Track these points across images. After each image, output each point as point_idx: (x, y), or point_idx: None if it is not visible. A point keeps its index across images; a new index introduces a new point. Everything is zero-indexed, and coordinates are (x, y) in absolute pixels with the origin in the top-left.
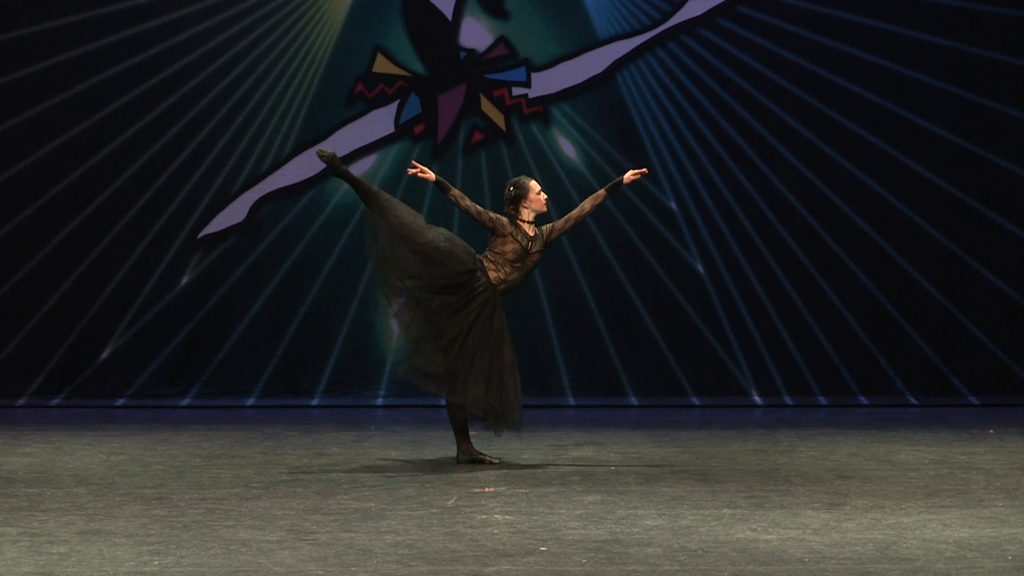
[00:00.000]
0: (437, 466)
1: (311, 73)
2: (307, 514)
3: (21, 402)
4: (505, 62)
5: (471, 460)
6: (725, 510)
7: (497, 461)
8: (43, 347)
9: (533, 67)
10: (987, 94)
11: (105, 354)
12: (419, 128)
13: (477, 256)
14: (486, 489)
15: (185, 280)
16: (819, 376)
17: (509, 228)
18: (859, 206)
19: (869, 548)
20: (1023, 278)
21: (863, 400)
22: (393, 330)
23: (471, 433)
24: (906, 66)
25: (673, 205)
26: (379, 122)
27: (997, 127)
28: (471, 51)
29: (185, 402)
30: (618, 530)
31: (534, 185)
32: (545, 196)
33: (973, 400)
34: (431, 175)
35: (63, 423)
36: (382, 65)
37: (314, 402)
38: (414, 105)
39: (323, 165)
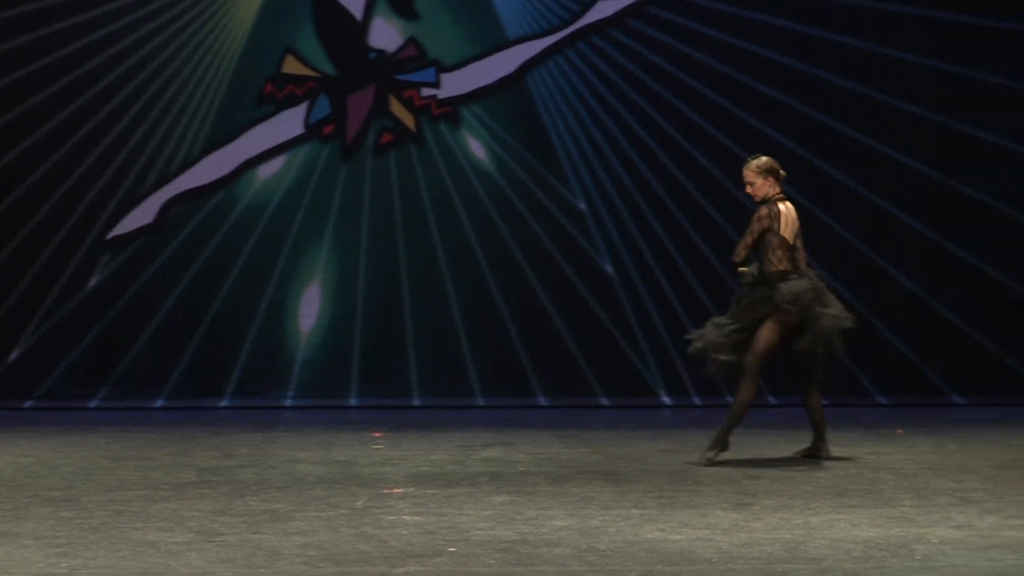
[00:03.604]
0: (346, 467)
1: (221, 74)
2: (215, 515)
3: None
4: (415, 63)
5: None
6: (634, 510)
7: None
8: None
9: (442, 68)
10: (894, 93)
11: (13, 356)
12: (328, 129)
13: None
14: (395, 490)
15: (94, 281)
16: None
17: None
18: None
19: (777, 548)
20: (931, 278)
21: (772, 400)
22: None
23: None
24: (814, 66)
25: (582, 205)
26: (288, 123)
27: (903, 125)
28: (380, 52)
29: (94, 404)
30: (527, 531)
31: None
32: (748, 191)
33: (882, 400)
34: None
35: None
36: (292, 66)
37: (223, 403)
38: (323, 106)
39: (234, 164)
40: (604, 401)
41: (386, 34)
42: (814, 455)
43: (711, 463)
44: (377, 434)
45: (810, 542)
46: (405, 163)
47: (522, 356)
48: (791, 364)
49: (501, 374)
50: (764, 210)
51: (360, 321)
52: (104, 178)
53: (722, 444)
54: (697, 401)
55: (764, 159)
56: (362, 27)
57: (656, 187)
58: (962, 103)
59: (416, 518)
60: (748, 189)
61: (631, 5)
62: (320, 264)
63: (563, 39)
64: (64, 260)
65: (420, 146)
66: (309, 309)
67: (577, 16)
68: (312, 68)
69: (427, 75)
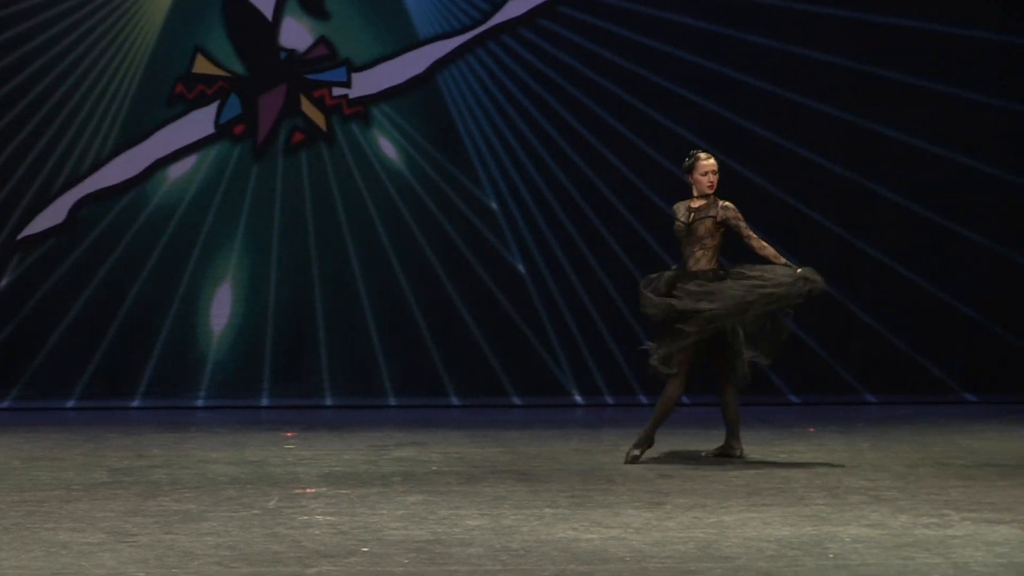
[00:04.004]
0: (258, 467)
1: (131, 74)
2: (128, 516)
3: None
4: (325, 62)
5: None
6: (547, 509)
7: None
8: None
9: (354, 67)
10: (805, 92)
11: None
12: (239, 129)
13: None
14: (307, 490)
15: (5, 282)
16: (640, 375)
17: (677, 215)
18: None
19: (691, 547)
20: (843, 277)
21: (684, 400)
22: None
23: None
24: (725, 65)
25: (494, 205)
26: (199, 123)
27: (815, 125)
28: (291, 51)
29: (5, 404)
30: (440, 530)
31: (703, 165)
32: (710, 181)
33: (793, 399)
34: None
35: None
36: (202, 65)
37: (135, 403)
38: (234, 106)
39: (145, 164)
40: (516, 400)
41: (297, 34)
42: (727, 454)
43: (636, 460)
44: (289, 434)
45: (723, 541)
46: (316, 163)
47: (434, 356)
48: (717, 362)
49: (413, 374)
50: (731, 204)
51: (272, 321)
52: (14, 178)
53: (648, 441)
54: (609, 400)
55: None
56: (273, 27)
57: (567, 186)
58: (874, 102)
59: (329, 518)
60: (713, 179)
61: (541, 4)
62: (231, 264)
63: (474, 38)
64: None
65: (331, 146)
66: (220, 309)
67: (488, 16)
68: (223, 68)
69: (338, 75)
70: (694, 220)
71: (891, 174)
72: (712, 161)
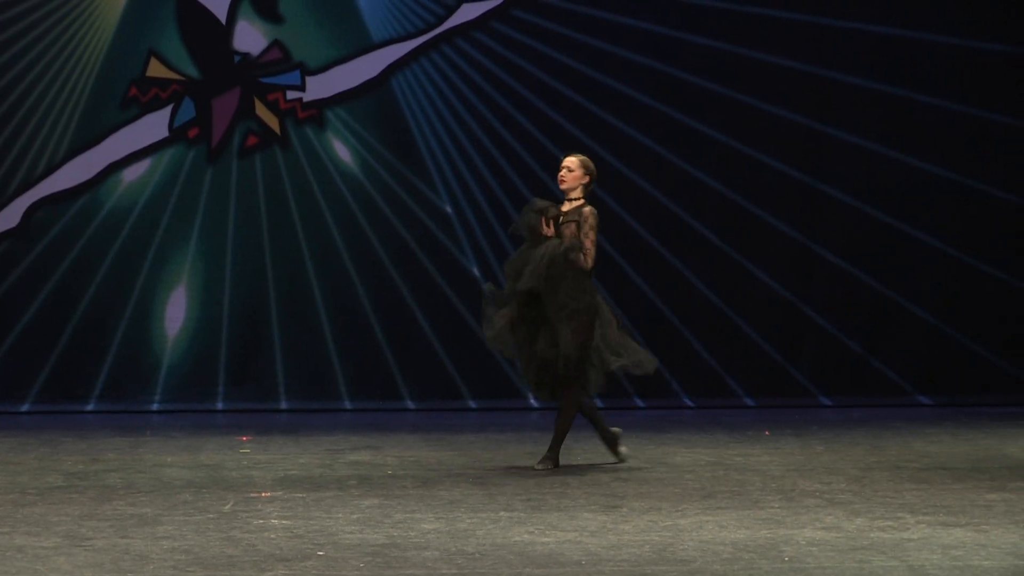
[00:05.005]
0: (213, 471)
1: (84, 77)
2: (83, 520)
3: None
4: (279, 65)
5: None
6: (502, 513)
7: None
8: None
9: (307, 71)
10: (757, 94)
11: None
12: (193, 132)
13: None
14: (263, 494)
15: None
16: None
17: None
18: (634, 208)
19: (646, 550)
20: (796, 279)
21: (639, 402)
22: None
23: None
24: (676, 67)
25: (448, 208)
26: (153, 126)
27: (767, 126)
28: (245, 55)
29: None
30: (395, 534)
31: (563, 162)
32: (561, 174)
33: (749, 402)
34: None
35: None
36: (156, 69)
37: (89, 407)
38: (188, 109)
39: (99, 167)
40: (471, 404)
41: (250, 37)
42: (611, 441)
43: (539, 471)
44: (245, 438)
45: (678, 544)
46: (271, 166)
47: (389, 359)
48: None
49: (368, 377)
50: (592, 210)
51: (226, 325)
52: None
53: (555, 460)
54: None
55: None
56: (226, 30)
57: (521, 189)
58: (827, 105)
59: (284, 522)
60: (562, 173)
61: (495, 8)
62: (186, 268)
63: (428, 42)
64: None
65: (285, 149)
66: (175, 313)
67: (442, 19)
68: (176, 71)
69: (292, 78)
70: (561, 223)
71: (844, 176)
72: (567, 159)
